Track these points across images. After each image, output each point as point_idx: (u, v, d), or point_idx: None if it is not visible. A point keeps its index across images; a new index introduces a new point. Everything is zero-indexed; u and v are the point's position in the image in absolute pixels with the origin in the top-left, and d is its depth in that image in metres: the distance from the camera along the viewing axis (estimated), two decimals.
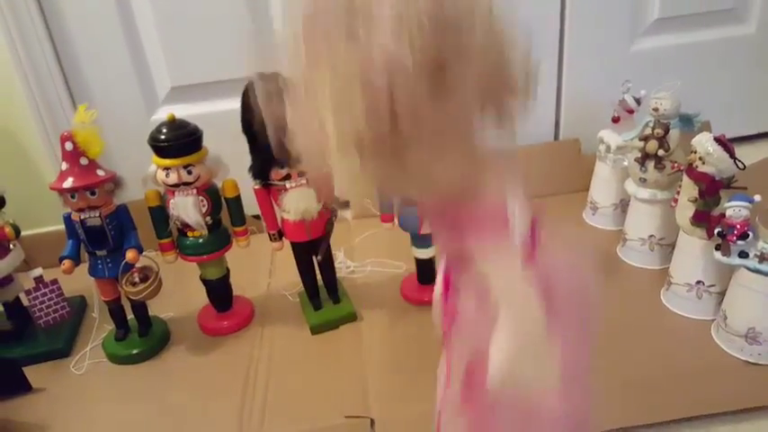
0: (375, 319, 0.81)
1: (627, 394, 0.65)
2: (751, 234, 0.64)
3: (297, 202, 0.73)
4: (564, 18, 1.03)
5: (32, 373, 0.77)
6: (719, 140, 0.67)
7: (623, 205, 0.91)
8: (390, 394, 0.68)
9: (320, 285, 0.83)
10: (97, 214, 0.73)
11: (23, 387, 0.75)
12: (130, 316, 0.82)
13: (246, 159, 0.74)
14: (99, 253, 0.75)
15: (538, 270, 0.34)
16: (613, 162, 0.90)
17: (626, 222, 0.88)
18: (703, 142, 0.68)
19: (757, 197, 0.65)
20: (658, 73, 0.79)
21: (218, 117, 0.82)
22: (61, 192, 0.71)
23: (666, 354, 0.70)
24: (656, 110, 0.77)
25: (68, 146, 0.71)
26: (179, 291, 0.86)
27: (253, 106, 0.68)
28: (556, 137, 1.12)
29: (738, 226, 0.65)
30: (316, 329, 0.80)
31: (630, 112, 0.87)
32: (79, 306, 0.90)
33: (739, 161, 0.68)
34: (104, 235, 0.74)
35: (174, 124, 0.72)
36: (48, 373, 0.78)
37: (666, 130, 0.77)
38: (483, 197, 0.35)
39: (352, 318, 0.81)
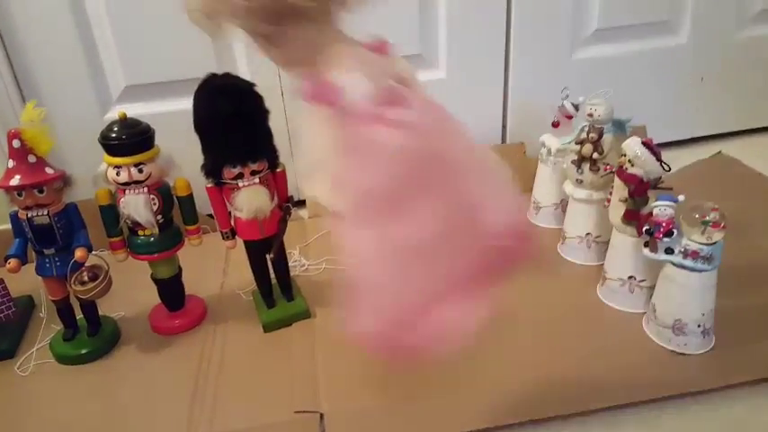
0: (328, 316, 0.82)
1: (562, 384, 0.68)
2: (675, 231, 0.68)
3: (249, 201, 0.74)
4: (510, 27, 1.08)
5: None
6: (647, 144, 0.71)
7: (563, 205, 0.96)
8: (341, 390, 0.70)
9: (274, 284, 0.84)
10: (45, 212, 0.72)
11: None
12: (80, 316, 0.81)
13: (199, 158, 0.74)
14: (47, 252, 0.75)
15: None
16: (553, 164, 0.95)
17: (565, 221, 0.92)
18: (632, 146, 0.72)
19: (681, 197, 0.69)
20: (599, 80, 0.84)
21: (171, 116, 0.83)
22: (8, 189, 0.71)
23: (601, 345, 0.74)
24: (590, 115, 0.82)
25: (16, 143, 0.70)
26: (130, 290, 0.85)
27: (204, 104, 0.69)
28: (503, 140, 1.16)
29: (664, 224, 0.68)
30: (268, 327, 0.81)
31: (569, 117, 0.91)
32: (26, 306, 0.88)
33: (665, 164, 0.72)
34: (52, 233, 0.73)
35: (126, 122, 0.73)
36: None
37: (600, 135, 0.82)
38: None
39: (305, 315, 0.82)
